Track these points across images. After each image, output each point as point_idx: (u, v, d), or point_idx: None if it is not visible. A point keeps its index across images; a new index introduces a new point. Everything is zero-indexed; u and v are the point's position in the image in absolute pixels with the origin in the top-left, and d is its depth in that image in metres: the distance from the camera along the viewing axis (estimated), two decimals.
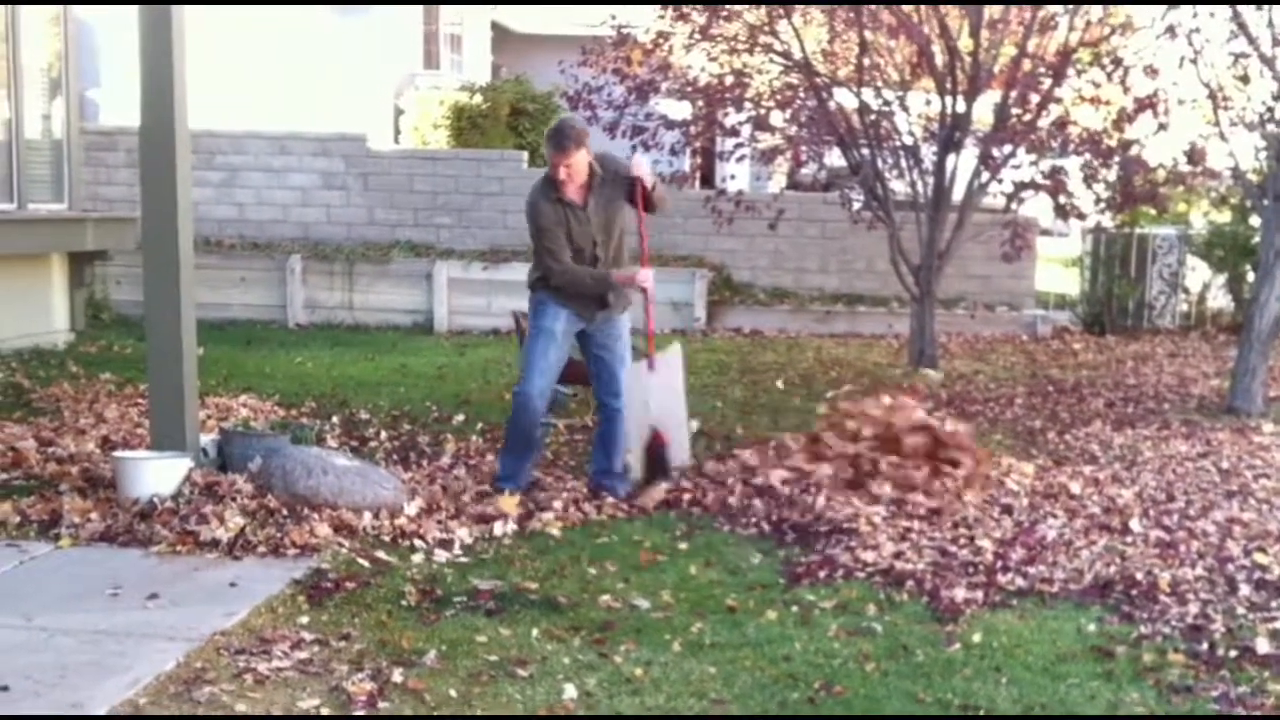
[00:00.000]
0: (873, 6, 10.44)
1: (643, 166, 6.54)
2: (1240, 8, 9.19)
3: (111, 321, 12.53)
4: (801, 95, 11.00)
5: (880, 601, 5.16)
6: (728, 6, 10.83)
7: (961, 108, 10.63)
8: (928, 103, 11.10)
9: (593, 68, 11.43)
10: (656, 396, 6.79)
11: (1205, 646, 4.66)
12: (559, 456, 7.52)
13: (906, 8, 10.41)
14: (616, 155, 6.75)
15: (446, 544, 5.73)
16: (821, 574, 5.47)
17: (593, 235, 6.46)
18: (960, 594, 5.16)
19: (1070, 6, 10.50)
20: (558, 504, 6.36)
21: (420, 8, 18.20)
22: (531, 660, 4.45)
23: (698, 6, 10.84)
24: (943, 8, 10.40)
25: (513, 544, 5.80)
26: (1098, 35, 10.80)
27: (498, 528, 5.95)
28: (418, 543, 5.73)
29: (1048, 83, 10.54)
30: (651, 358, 6.78)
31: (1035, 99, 10.58)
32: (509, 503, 6.21)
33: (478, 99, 15.77)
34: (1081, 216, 11.59)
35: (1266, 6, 9.11)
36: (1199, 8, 9.58)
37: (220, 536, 5.55)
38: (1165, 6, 9.81)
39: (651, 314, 6.79)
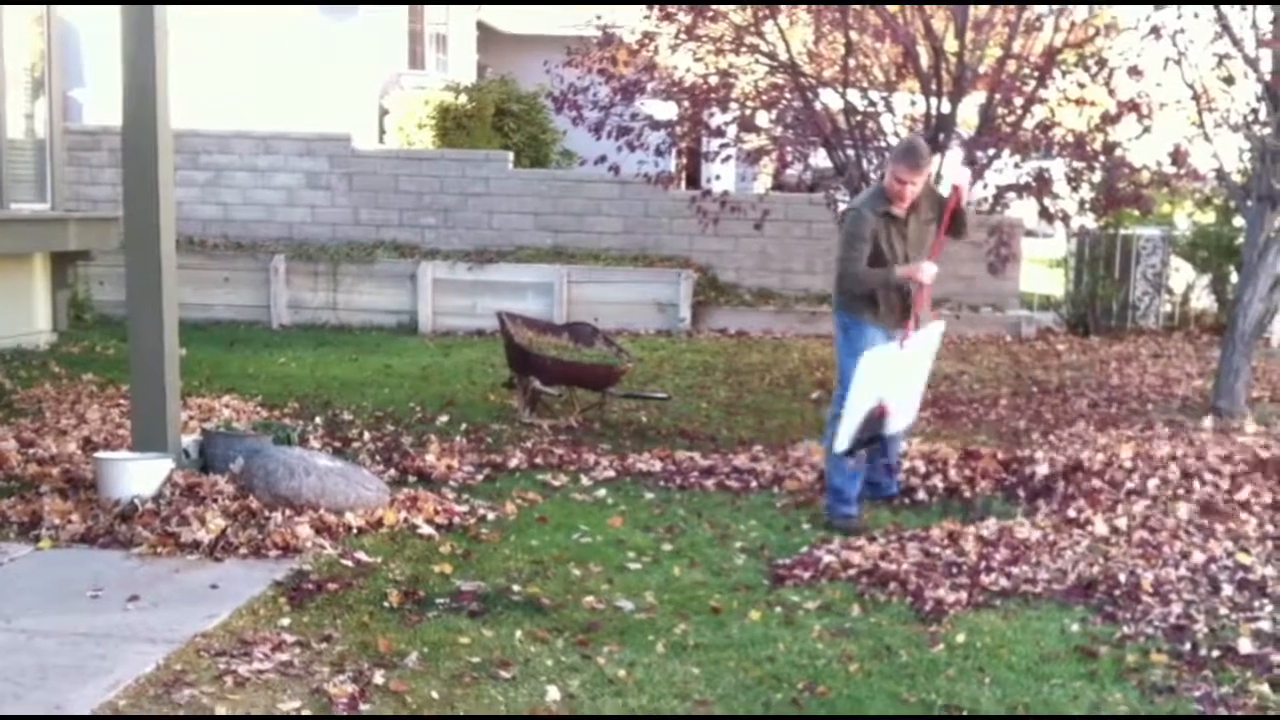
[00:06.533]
0: (858, 7, 10.44)
1: (965, 180, 6.75)
2: (1224, 9, 9.20)
3: (94, 322, 12.47)
4: (787, 96, 10.99)
5: (864, 602, 5.16)
6: (713, 7, 10.81)
7: (946, 109, 10.62)
8: (913, 103, 11.08)
9: (578, 68, 11.40)
10: (901, 370, 6.55)
11: (1188, 646, 4.67)
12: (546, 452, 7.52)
13: (892, 8, 10.41)
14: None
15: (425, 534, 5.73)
16: (805, 575, 5.47)
17: (905, 250, 6.49)
18: (944, 594, 5.17)
19: (1055, 7, 10.51)
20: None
21: (405, 8, 18.15)
22: (514, 662, 4.44)
23: (683, 7, 10.82)
24: (928, 9, 10.40)
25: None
26: (1083, 36, 10.80)
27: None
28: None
29: (1033, 84, 10.54)
30: (907, 333, 6.48)
31: (1020, 100, 10.58)
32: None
33: (463, 99, 15.74)
34: (1066, 219, 11.59)
35: (1250, 7, 9.13)
36: (1183, 9, 9.60)
37: (201, 538, 5.53)
38: (1150, 7, 9.83)
39: (923, 301, 6.60)
